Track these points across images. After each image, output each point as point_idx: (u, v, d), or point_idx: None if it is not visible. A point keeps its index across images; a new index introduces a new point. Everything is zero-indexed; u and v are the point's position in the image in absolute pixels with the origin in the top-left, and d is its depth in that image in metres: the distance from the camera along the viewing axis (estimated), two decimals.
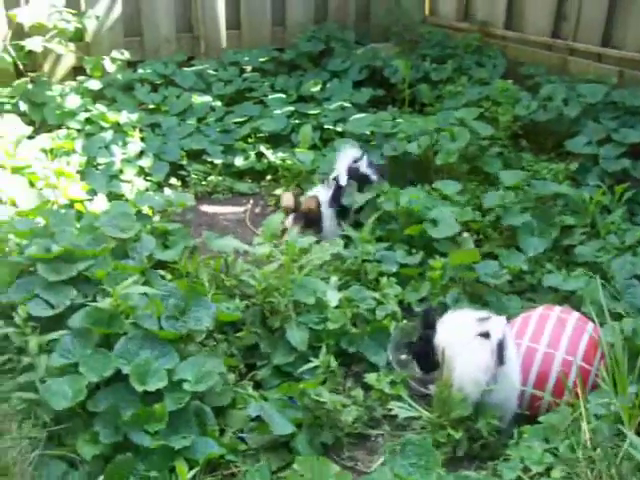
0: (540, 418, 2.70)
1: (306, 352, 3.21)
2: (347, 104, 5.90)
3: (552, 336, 2.96)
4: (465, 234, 4.19)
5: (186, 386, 2.51)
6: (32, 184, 4.04)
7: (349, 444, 2.91)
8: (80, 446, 2.29)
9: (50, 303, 2.83)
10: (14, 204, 3.68)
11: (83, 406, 2.40)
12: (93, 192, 4.19)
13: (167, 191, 4.64)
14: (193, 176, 5.17)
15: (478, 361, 2.82)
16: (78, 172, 4.41)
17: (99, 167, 4.66)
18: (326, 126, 5.53)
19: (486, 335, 2.80)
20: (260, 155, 5.40)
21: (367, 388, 3.15)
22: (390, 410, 3.02)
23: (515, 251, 3.93)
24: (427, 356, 3.08)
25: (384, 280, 3.74)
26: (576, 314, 3.11)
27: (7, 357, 2.64)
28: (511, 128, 5.19)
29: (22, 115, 5.19)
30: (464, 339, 2.87)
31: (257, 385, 3.16)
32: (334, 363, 3.13)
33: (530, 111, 5.22)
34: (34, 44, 5.36)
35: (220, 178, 5.24)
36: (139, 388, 2.41)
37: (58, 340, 2.57)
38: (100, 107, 5.38)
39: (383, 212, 4.23)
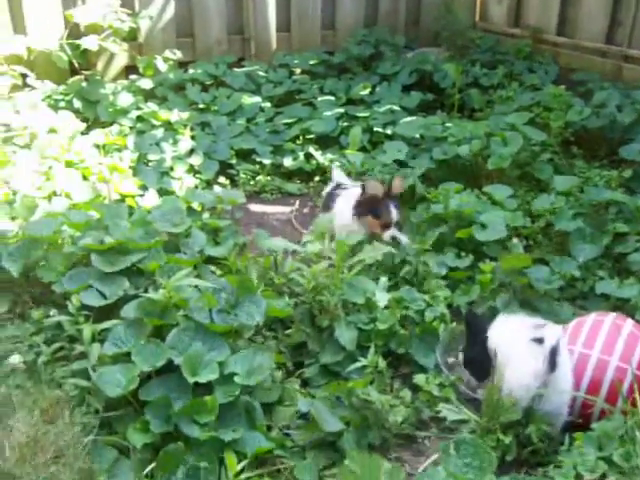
0: (593, 425, 2.64)
1: (354, 352, 3.19)
2: (396, 107, 5.88)
3: (606, 342, 2.89)
4: (515, 239, 4.14)
5: (237, 379, 2.52)
6: (85, 178, 4.11)
7: (396, 445, 2.88)
8: (131, 434, 2.30)
9: (103, 293, 2.87)
10: (68, 197, 3.75)
11: (135, 395, 2.42)
12: (144, 188, 4.25)
13: (216, 189, 4.68)
14: (242, 175, 5.19)
15: (529, 367, 2.77)
16: (130, 168, 4.47)
17: (150, 164, 4.72)
18: (375, 129, 5.51)
19: (540, 341, 2.75)
20: (309, 156, 5.41)
21: (415, 390, 3.12)
22: (438, 413, 2.98)
23: (566, 257, 3.86)
24: (482, 363, 3.00)
25: (433, 282, 3.71)
26: (631, 321, 3.03)
27: (60, 345, 2.67)
28: (563, 134, 5.11)
29: (76, 112, 5.28)
30: (517, 344, 2.82)
31: (304, 383, 3.15)
32: (382, 363, 3.10)
33: (583, 117, 5.13)
34: (90, 43, 5.46)
35: (269, 178, 5.26)
36: (190, 379, 2.42)
37: (111, 329, 2.59)
38: (151, 105, 5.46)
39: (433, 215, 4.20)
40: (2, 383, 2.24)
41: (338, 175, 4.59)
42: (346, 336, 3.24)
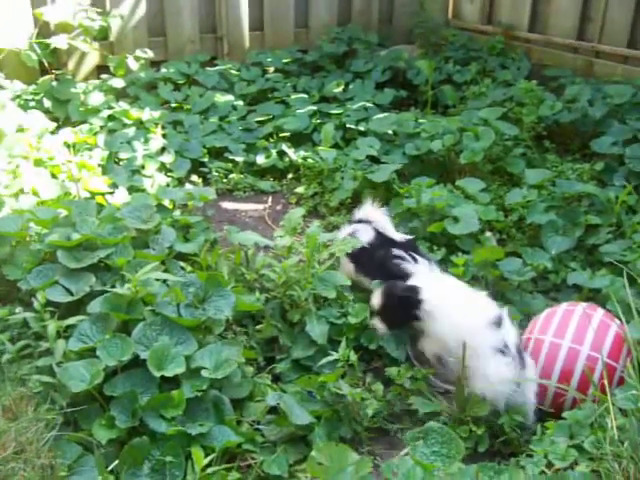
0: (564, 414, 2.64)
1: (326, 346, 3.18)
2: (370, 104, 5.87)
3: (577, 332, 2.89)
4: (488, 233, 4.16)
5: (204, 373, 2.48)
6: (54, 176, 4.05)
7: (368, 438, 2.87)
8: (96, 430, 2.26)
9: (69, 290, 2.82)
10: (36, 194, 3.69)
11: (100, 390, 2.38)
12: (114, 186, 4.19)
13: (188, 187, 4.64)
14: (214, 173, 5.16)
15: (500, 374, 2.77)
16: (100, 166, 4.42)
17: (121, 162, 4.67)
18: (348, 125, 5.50)
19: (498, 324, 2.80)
20: (282, 154, 5.38)
21: (387, 384, 3.11)
22: (410, 405, 2.98)
23: (539, 250, 3.87)
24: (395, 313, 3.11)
25: None
26: (601, 310, 3.04)
27: (25, 343, 2.62)
28: (535, 129, 5.14)
29: (46, 112, 5.23)
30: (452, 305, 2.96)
31: (276, 379, 3.13)
32: (353, 357, 3.08)
33: (555, 112, 5.17)
34: (59, 41, 5.40)
35: (241, 176, 5.22)
36: (157, 373, 2.38)
37: (76, 325, 2.55)
38: (123, 105, 5.41)
39: (405, 209, 4.19)
40: None
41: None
42: (317, 330, 3.22)
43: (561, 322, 2.97)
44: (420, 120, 5.37)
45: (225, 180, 5.17)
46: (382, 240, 3.59)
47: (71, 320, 2.56)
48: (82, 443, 2.28)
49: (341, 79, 6.39)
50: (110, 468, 2.17)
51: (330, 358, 3.03)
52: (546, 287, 3.81)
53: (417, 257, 3.40)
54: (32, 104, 5.29)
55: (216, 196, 4.66)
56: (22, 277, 2.91)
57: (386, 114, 5.56)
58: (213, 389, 2.61)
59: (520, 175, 4.70)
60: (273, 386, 2.97)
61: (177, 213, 4.02)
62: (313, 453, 2.14)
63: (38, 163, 4.05)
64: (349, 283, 3.44)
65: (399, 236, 3.62)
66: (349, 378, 3.07)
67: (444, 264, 3.78)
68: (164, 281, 2.82)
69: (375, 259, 3.53)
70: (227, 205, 4.93)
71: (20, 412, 2.13)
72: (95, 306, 2.63)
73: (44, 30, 5.67)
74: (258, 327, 3.30)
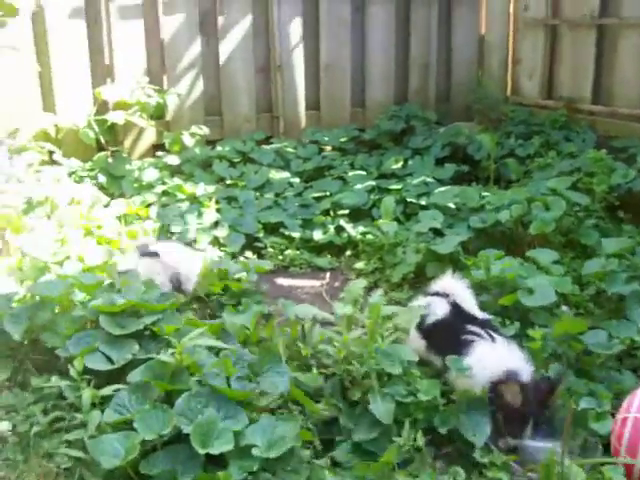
0: None
1: (391, 427, 2.83)
2: (430, 179, 5.67)
3: None
4: (564, 307, 3.82)
5: (255, 452, 2.17)
6: (101, 244, 3.91)
7: None
8: None
9: (110, 358, 2.58)
10: (82, 261, 3.54)
11: (136, 469, 2.09)
12: None
13: None
14: (269, 249, 4.96)
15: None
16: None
17: (173, 235, 4.52)
18: (409, 199, 5.27)
19: None
20: (340, 229, 5.17)
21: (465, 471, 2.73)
22: None
23: (625, 321, 3.50)
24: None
25: None
26: None
27: (58, 414, 2.37)
28: (607, 199, 4.83)
29: (100, 187, 5.18)
30: None
31: (335, 464, 2.78)
32: (421, 440, 2.73)
33: (628, 180, 4.87)
34: (117, 117, 5.41)
35: (297, 252, 5.01)
36: (201, 450, 2.09)
37: (114, 395, 2.29)
38: (177, 180, 5.32)
39: (474, 282, 3.88)
40: None
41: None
42: (382, 408, 2.87)
43: None
44: (484, 193, 5.13)
45: (280, 257, 4.96)
46: (460, 315, 3.26)
47: (108, 389, 2.31)
48: None
49: (400, 155, 6.23)
50: None
51: (395, 444, 2.70)
52: (634, 365, 3.41)
53: (495, 336, 3.07)
54: (87, 180, 5.25)
55: (272, 269, 4.47)
56: (61, 345, 2.69)
57: (448, 187, 5.33)
58: (265, 472, 2.29)
59: (594, 247, 4.37)
60: (332, 472, 2.63)
61: None
62: None
63: (87, 232, 3.92)
64: (417, 358, 3.12)
65: (480, 312, 3.30)
66: (417, 464, 2.71)
67: (518, 339, 3.45)
68: (213, 351, 2.56)
69: (451, 336, 3.20)
70: (282, 281, 4.69)
71: None
72: (136, 375, 2.38)
73: (102, 109, 5.71)
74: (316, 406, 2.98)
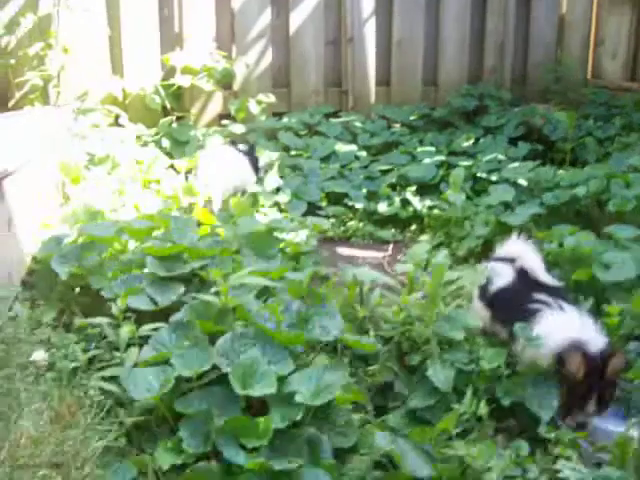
0: None
1: (449, 396, 2.63)
2: (502, 157, 5.39)
3: None
4: None
5: (298, 398, 2.00)
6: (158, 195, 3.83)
7: None
8: (159, 453, 1.84)
9: (155, 300, 2.46)
10: (137, 209, 3.45)
11: (170, 406, 1.96)
12: None
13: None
14: (331, 219, 4.79)
15: None
16: None
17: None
18: (479, 174, 5.02)
19: None
20: (405, 203, 4.96)
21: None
22: (557, 473, 2.36)
23: None
24: None
25: None
26: None
27: (97, 352, 2.27)
28: None
29: (164, 153, 5.10)
30: None
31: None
32: (484, 409, 2.52)
33: None
34: (183, 80, 5.34)
35: (360, 224, 4.83)
36: (241, 391, 1.93)
37: (153, 334, 2.17)
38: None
39: (545, 254, 3.62)
40: (15, 378, 1.83)
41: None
42: (441, 375, 2.67)
43: None
44: (559, 171, 4.84)
45: (343, 227, 4.80)
46: (527, 282, 3.02)
47: (148, 327, 2.18)
48: (138, 462, 1.85)
49: (471, 133, 5.97)
50: None
51: (454, 411, 2.50)
52: None
53: (565, 305, 2.81)
54: (151, 145, 5.20)
55: (333, 237, 4.32)
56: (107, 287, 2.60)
57: (521, 163, 5.06)
58: (310, 427, 2.13)
59: None
60: (383, 428, 2.45)
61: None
62: None
63: (145, 186, 3.84)
64: (480, 325, 2.91)
65: (549, 278, 3.03)
66: (477, 435, 2.50)
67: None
68: (262, 299, 2.41)
69: (517, 305, 2.96)
70: (343, 250, 4.53)
71: (75, 422, 1.74)
72: (178, 315, 2.25)
73: (170, 76, 5.66)
74: (370, 369, 2.81)
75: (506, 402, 2.70)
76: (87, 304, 2.72)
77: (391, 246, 4.62)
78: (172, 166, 4.76)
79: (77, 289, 2.80)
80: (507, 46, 6.86)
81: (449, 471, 2.23)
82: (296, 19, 6.19)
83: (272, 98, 5.79)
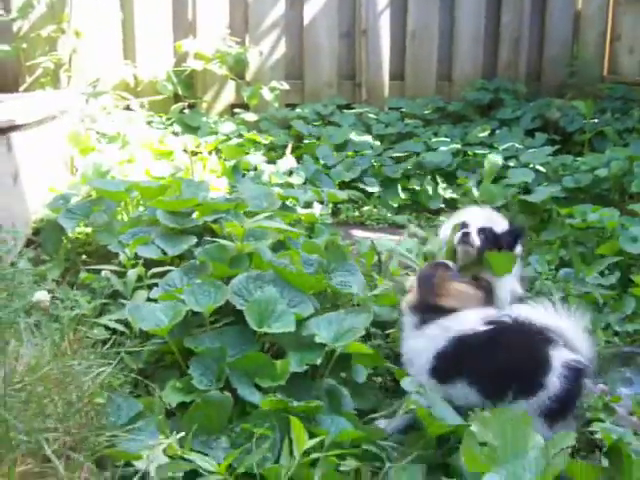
0: None
1: None
2: (519, 146, 5.29)
3: None
4: None
5: (318, 339, 1.87)
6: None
7: None
8: (168, 391, 1.72)
9: (164, 252, 2.35)
10: (148, 174, 3.35)
11: (180, 346, 1.84)
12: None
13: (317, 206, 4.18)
14: (346, 203, 4.68)
15: None
16: (223, 174, 4.06)
17: (246, 175, 4.30)
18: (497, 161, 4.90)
19: None
20: (422, 188, 4.85)
21: None
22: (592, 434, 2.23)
23: None
24: None
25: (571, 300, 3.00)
26: None
27: (102, 301, 2.15)
28: None
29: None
30: None
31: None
32: None
33: None
34: (195, 64, 5.27)
35: (375, 209, 4.72)
36: (256, 327, 1.81)
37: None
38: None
39: (569, 230, 3.51)
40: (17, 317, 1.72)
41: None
42: None
43: None
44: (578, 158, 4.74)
45: (357, 212, 4.69)
46: None
47: (157, 270, 2.07)
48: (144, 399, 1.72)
49: (486, 125, 5.86)
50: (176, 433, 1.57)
51: None
52: None
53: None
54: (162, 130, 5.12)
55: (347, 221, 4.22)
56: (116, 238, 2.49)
57: (540, 148, 4.95)
58: (329, 379, 2.00)
59: None
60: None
61: None
62: (473, 427, 1.47)
63: (156, 157, 3.74)
64: None
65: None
66: None
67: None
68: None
69: None
70: (358, 233, 4.41)
71: (77, 357, 1.62)
72: (191, 261, 2.14)
73: (182, 63, 5.58)
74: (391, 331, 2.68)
75: None
76: (94, 264, 2.61)
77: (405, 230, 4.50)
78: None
79: (83, 249, 2.69)
80: (522, 41, 6.75)
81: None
82: (310, 10, 6.11)
83: (285, 85, 5.70)
